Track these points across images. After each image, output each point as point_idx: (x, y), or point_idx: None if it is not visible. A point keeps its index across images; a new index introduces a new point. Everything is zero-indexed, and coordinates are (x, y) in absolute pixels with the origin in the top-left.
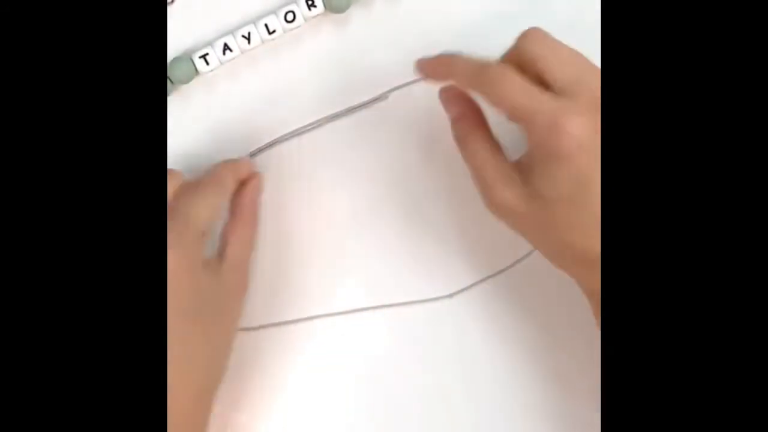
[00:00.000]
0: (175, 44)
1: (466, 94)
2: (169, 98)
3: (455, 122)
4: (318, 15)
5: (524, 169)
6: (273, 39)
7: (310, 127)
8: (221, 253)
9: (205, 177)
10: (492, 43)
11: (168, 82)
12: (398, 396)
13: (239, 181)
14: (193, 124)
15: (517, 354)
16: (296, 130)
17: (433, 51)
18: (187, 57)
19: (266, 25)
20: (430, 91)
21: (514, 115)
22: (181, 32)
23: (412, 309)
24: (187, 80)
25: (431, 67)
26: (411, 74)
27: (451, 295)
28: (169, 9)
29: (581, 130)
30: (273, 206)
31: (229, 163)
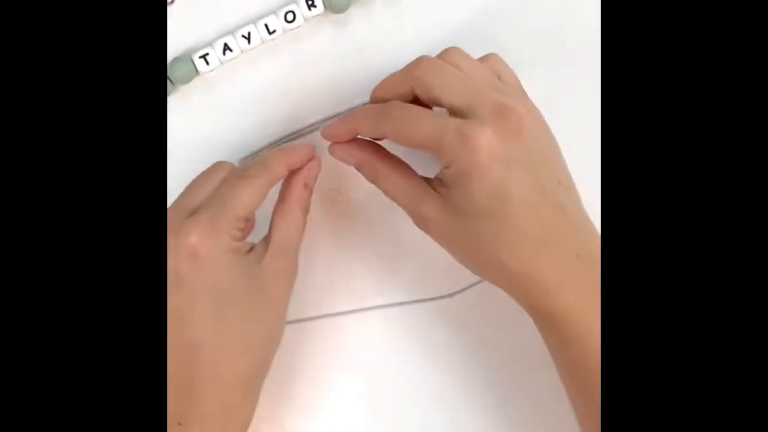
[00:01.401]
0: (175, 44)
1: (356, 140)
2: (169, 98)
3: (360, 168)
4: (318, 15)
5: (439, 186)
6: (273, 39)
7: (310, 128)
8: (266, 238)
9: (253, 162)
10: (490, 42)
11: (168, 82)
12: (398, 395)
13: (292, 168)
14: (193, 124)
15: (516, 353)
16: (296, 130)
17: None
18: (187, 57)
19: (266, 25)
20: None
21: (425, 142)
22: (181, 32)
23: (412, 309)
24: (187, 80)
25: (337, 130)
26: None
27: (451, 295)
28: (169, 9)
29: (490, 141)
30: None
31: (281, 150)
